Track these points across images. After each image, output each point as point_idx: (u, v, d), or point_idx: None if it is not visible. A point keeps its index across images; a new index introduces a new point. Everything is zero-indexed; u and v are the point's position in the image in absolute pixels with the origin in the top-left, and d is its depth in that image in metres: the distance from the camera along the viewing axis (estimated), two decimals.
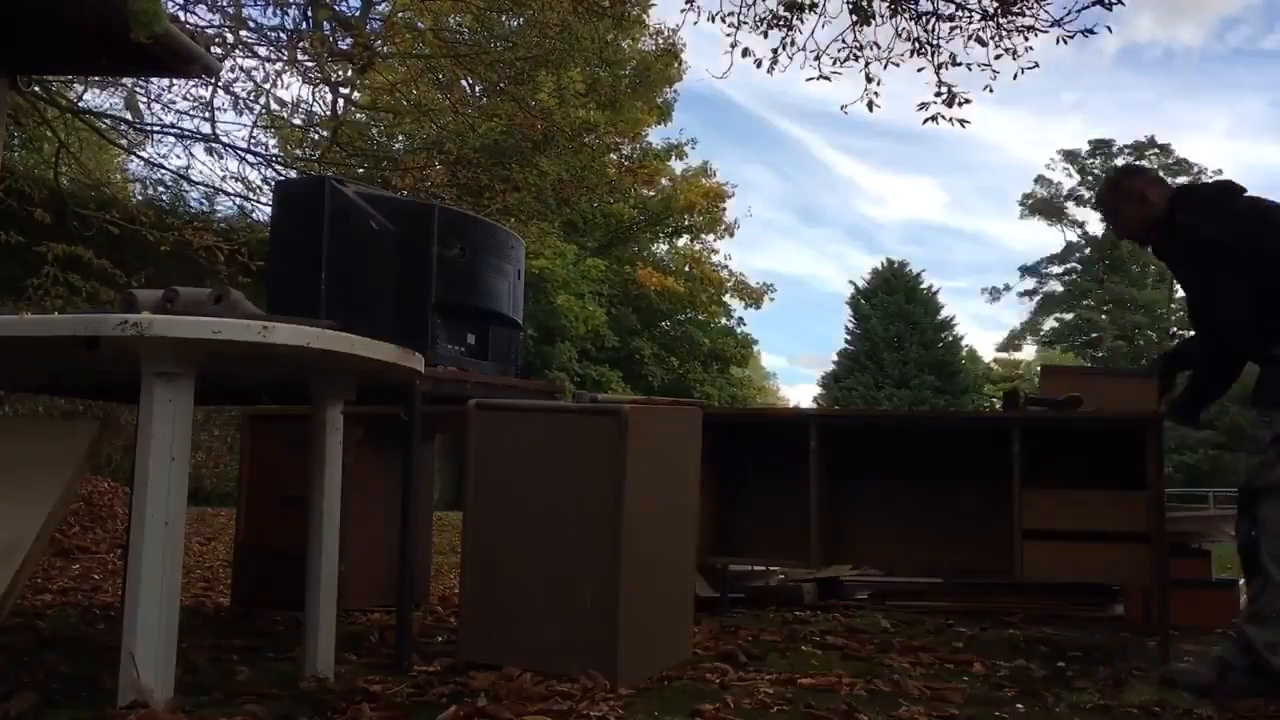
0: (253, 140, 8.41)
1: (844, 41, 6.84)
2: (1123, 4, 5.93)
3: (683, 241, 23.79)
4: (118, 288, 6.71)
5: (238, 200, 9.92)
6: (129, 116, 8.41)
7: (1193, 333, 3.20)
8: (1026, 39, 6.53)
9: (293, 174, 8.97)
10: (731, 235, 23.21)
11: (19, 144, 10.47)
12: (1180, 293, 2.93)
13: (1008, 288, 38.33)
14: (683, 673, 2.59)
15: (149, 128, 8.75)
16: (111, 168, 14.93)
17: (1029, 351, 38.29)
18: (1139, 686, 2.61)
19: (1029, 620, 3.84)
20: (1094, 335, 34.48)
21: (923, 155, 68.81)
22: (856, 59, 6.84)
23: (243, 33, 7.94)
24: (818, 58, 6.82)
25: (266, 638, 2.99)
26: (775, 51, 6.94)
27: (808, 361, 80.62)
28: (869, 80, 6.85)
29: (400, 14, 10.68)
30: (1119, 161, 34.79)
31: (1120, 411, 3.38)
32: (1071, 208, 36.40)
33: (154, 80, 7.90)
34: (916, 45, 6.78)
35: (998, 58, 6.56)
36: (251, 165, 8.58)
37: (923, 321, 31.53)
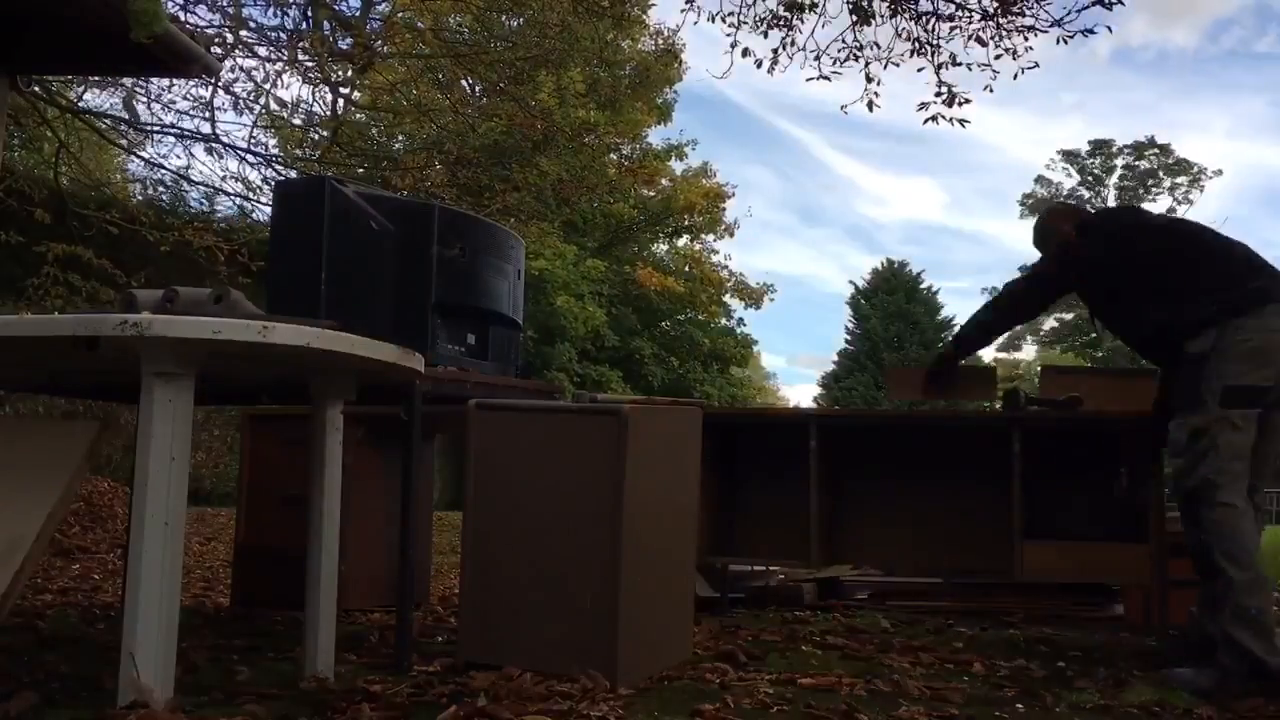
0: (253, 140, 8.44)
1: (844, 41, 6.85)
2: (1123, 4, 5.94)
3: (683, 242, 23.79)
4: (118, 288, 6.72)
5: (238, 200, 9.96)
6: (128, 116, 8.42)
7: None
8: (1026, 39, 6.54)
9: (293, 174, 8.97)
10: (731, 235, 23.22)
11: (19, 144, 10.47)
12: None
13: None
14: (683, 673, 2.59)
15: (149, 128, 8.77)
16: (111, 168, 14.93)
17: (1029, 351, 38.30)
18: (1139, 686, 2.61)
19: (1029, 620, 3.83)
20: (1094, 335, 34.44)
21: (923, 155, 68.91)
22: (856, 59, 6.85)
23: (243, 33, 7.95)
24: (818, 58, 6.83)
25: (266, 638, 2.99)
26: (775, 51, 6.94)
27: (807, 361, 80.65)
28: (869, 80, 6.86)
29: (400, 14, 10.68)
30: (1119, 162, 34.81)
31: (1119, 411, 3.39)
32: None
33: (154, 80, 7.92)
34: (916, 45, 6.78)
35: (998, 58, 6.57)
36: (251, 165, 8.60)
37: (923, 321, 31.52)
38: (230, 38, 7.80)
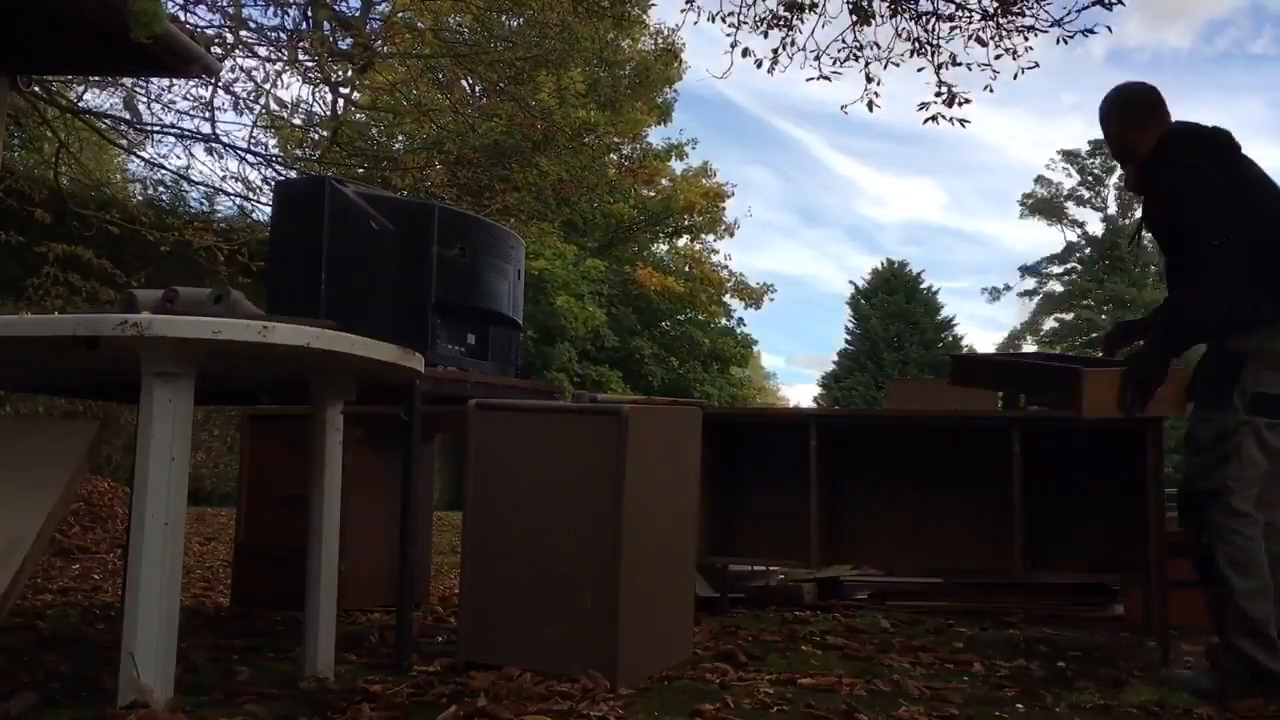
0: (253, 140, 8.44)
1: (844, 41, 6.85)
2: (1123, 4, 5.94)
3: (683, 241, 23.79)
4: (118, 288, 6.72)
5: (238, 200, 9.95)
6: (128, 116, 8.42)
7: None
8: (1026, 39, 6.54)
9: (293, 174, 8.98)
10: (731, 235, 23.22)
11: (19, 144, 10.47)
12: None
13: (1008, 288, 38.31)
14: (683, 673, 2.59)
15: (149, 128, 8.77)
16: (111, 168, 14.93)
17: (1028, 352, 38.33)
18: (1139, 686, 2.61)
19: (1029, 620, 3.84)
20: (1094, 335, 34.44)
21: (923, 156, 68.71)
22: (856, 59, 6.85)
23: (243, 33, 7.95)
24: (818, 58, 6.83)
25: (266, 638, 2.99)
26: (775, 51, 6.94)
27: (807, 361, 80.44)
28: (869, 80, 6.86)
29: (400, 14, 10.68)
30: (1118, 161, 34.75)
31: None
32: (1071, 208, 36.40)
33: (154, 80, 7.91)
34: (916, 45, 6.78)
35: (998, 58, 6.57)
36: (251, 165, 8.61)
37: (923, 321, 31.50)
38: (230, 38, 7.81)
